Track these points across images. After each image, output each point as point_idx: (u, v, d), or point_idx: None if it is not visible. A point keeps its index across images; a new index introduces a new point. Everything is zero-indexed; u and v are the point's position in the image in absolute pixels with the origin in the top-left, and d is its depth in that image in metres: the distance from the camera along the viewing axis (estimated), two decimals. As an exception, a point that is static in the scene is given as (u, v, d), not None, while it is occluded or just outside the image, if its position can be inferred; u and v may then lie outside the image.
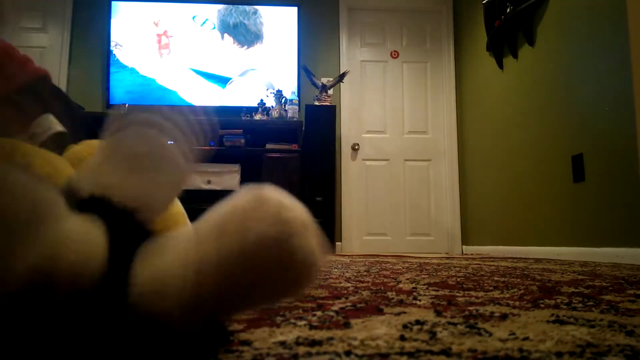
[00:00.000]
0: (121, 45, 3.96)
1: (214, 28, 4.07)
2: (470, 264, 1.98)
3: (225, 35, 4.07)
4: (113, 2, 3.99)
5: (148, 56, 3.99)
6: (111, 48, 3.95)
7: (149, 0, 4.03)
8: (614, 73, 2.27)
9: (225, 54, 4.05)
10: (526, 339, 0.48)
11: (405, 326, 0.54)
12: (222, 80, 4.01)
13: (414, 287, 0.96)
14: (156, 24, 4.02)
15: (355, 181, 4.12)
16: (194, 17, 4.05)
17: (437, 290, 0.90)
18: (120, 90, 3.93)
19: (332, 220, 3.57)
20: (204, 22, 4.07)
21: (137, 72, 3.96)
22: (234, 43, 4.07)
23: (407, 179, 4.17)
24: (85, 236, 0.29)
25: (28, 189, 0.27)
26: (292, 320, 0.55)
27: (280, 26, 4.13)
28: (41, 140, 0.71)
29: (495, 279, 1.19)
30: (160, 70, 3.99)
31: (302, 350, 0.40)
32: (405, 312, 0.63)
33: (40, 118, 0.74)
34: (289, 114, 3.77)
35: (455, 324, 0.55)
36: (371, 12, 4.36)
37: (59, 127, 0.74)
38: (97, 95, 3.99)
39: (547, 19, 2.87)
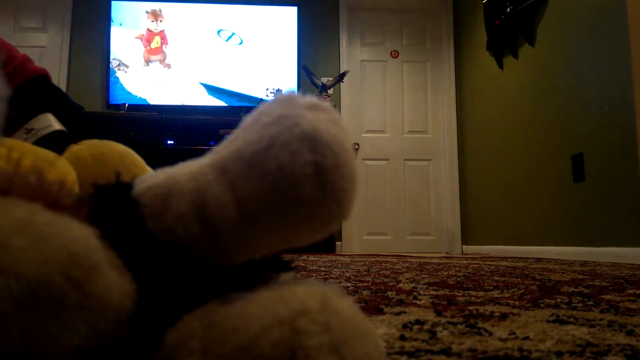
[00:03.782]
0: (126, 66, 3.94)
1: (220, 31, 4.06)
2: (470, 263, 1.98)
3: (223, 34, 4.07)
4: (113, 2, 3.99)
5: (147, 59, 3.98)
6: (113, 68, 3.94)
7: (148, 0, 4.03)
8: (614, 73, 2.27)
9: (225, 53, 4.04)
10: (526, 338, 0.48)
11: (405, 326, 0.53)
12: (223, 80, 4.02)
13: (414, 287, 0.96)
14: (156, 24, 4.02)
15: (355, 181, 4.12)
16: (219, 32, 4.05)
17: (437, 290, 0.90)
18: (120, 89, 3.93)
19: (332, 220, 3.57)
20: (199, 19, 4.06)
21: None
22: (232, 43, 4.07)
23: (407, 179, 4.18)
24: (122, 292, 0.27)
25: (62, 243, 0.24)
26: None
27: (280, 26, 4.13)
28: (39, 138, 0.70)
29: (495, 278, 1.19)
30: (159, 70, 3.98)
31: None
32: (405, 312, 0.63)
33: (39, 116, 0.74)
34: (289, 114, 3.77)
35: (455, 324, 0.55)
36: (371, 11, 4.36)
37: (58, 125, 0.74)
38: (97, 95, 3.99)
39: (547, 18, 2.87)
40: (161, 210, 0.30)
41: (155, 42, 4.00)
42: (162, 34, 4.02)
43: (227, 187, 0.29)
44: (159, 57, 3.99)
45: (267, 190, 0.28)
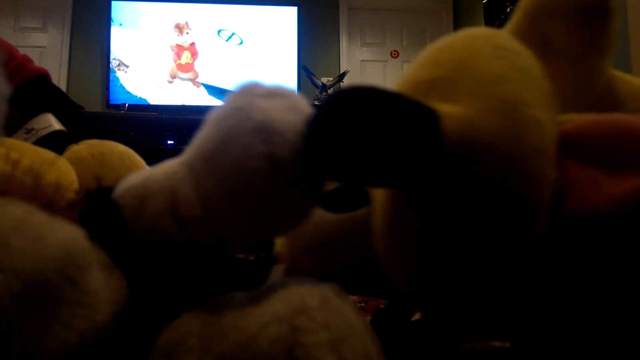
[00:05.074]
0: (126, 66, 3.92)
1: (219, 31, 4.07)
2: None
3: (222, 33, 4.07)
4: (113, 2, 3.99)
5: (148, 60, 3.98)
6: (113, 68, 3.92)
7: (148, 0, 4.03)
8: (614, 73, 2.27)
9: (225, 53, 4.04)
10: (525, 337, 0.48)
11: (404, 325, 0.53)
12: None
13: (413, 287, 0.96)
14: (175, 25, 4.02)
15: (355, 181, 4.11)
16: (219, 32, 4.05)
17: (437, 290, 0.90)
18: (120, 89, 3.93)
19: (332, 220, 3.57)
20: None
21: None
22: (232, 43, 4.07)
23: (407, 179, 4.17)
24: (112, 288, 0.27)
25: (56, 248, 0.24)
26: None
27: (280, 26, 4.13)
28: (39, 138, 0.71)
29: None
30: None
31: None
32: (404, 311, 0.63)
33: (39, 116, 0.74)
34: (289, 114, 3.76)
35: (454, 323, 0.55)
36: (371, 12, 4.36)
37: (58, 125, 0.74)
38: (97, 95, 3.99)
39: (547, 18, 2.87)
40: (139, 211, 0.30)
41: (186, 58, 3.96)
42: (192, 48, 3.98)
43: (193, 185, 0.29)
44: (189, 75, 3.95)
45: (223, 186, 0.28)
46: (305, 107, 0.30)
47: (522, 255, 0.30)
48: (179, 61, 3.94)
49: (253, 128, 0.27)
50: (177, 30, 3.97)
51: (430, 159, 0.27)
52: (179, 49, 3.94)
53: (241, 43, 4.09)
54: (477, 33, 0.37)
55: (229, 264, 0.32)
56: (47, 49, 4.04)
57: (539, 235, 0.30)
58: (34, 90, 0.89)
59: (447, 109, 0.29)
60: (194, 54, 3.97)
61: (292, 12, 4.15)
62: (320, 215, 0.39)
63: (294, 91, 0.31)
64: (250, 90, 0.30)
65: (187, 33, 3.97)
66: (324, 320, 0.23)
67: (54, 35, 4.07)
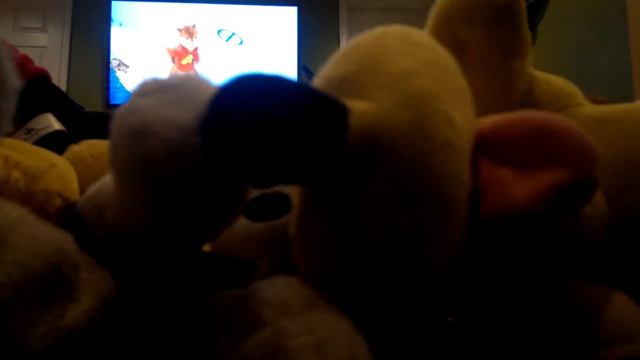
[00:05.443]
0: (126, 66, 3.92)
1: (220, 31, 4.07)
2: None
3: (222, 33, 4.07)
4: (113, 2, 3.99)
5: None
6: (113, 68, 3.93)
7: (148, 0, 4.03)
8: (614, 73, 2.28)
9: (225, 53, 4.05)
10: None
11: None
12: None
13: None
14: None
15: (355, 181, 4.11)
16: (219, 32, 4.06)
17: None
18: (120, 89, 3.94)
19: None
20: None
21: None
22: (232, 43, 4.07)
23: (407, 179, 4.17)
24: (101, 282, 0.27)
25: (46, 250, 0.25)
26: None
27: (280, 26, 4.14)
28: (39, 138, 0.71)
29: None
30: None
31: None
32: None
33: (39, 116, 0.74)
34: (289, 114, 3.75)
35: (452, 322, 0.55)
36: (371, 12, 4.36)
37: (58, 125, 0.74)
38: (97, 95, 3.99)
39: (547, 18, 2.87)
40: (98, 219, 0.31)
41: (187, 59, 3.97)
42: (195, 52, 3.98)
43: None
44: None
45: (127, 196, 0.27)
46: (200, 95, 0.26)
47: (436, 255, 0.29)
48: (179, 62, 3.94)
49: (129, 134, 0.26)
50: (186, 34, 3.96)
51: (335, 155, 0.25)
52: (183, 51, 3.94)
53: (241, 43, 4.09)
54: (391, 30, 0.36)
55: (219, 263, 0.32)
56: (47, 49, 4.04)
57: (456, 236, 0.29)
58: (34, 90, 0.89)
59: (357, 105, 0.28)
60: (196, 57, 3.97)
61: (292, 12, 4.15)
62: (242, 224, 0.39)
63: (196, 79, 0.28)
64: (137, 91, 0.28)
65: (196, 38, 3.96)
66: (308, 322, 0.23)
67: (54, 35, 4.07)
